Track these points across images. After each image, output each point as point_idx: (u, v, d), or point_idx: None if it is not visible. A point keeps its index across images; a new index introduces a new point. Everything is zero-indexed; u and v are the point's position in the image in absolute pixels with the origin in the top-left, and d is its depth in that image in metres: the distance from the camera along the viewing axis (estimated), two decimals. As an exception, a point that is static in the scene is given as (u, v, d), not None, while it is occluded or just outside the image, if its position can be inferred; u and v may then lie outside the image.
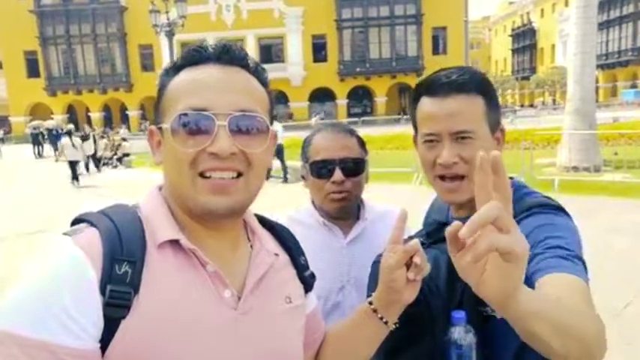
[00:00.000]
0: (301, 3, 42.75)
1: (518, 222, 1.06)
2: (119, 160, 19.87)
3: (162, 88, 0.87)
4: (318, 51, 44.20)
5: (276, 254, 0.97)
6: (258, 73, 0.89)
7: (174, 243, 0.82)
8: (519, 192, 1.23)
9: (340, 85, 44.27)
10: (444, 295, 1.11)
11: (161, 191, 0.90)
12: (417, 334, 1.12)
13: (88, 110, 43.91)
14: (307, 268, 1.04)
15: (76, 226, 0.81)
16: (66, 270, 0.73)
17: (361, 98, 45.76)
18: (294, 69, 43.41)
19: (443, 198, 1.22)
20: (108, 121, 42.87)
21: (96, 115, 44.12)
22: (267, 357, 0.87)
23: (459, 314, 1.07)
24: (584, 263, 1.03)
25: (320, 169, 1.47)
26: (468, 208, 1.27)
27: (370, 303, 0.99)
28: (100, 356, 0.73)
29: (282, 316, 0.92)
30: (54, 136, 26.66)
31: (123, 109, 45.52)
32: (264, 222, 1.03)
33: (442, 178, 1.18)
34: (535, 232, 1.06)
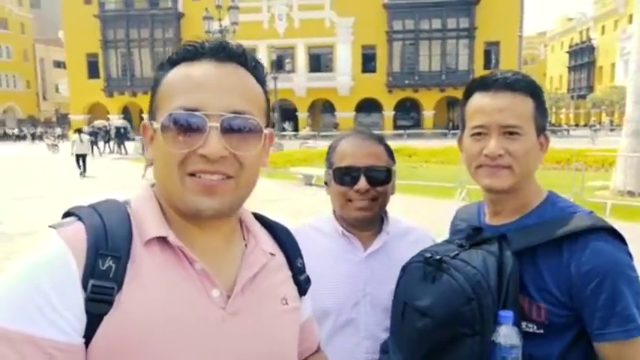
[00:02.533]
0: (352, 13, 42.88)
1: (572, 241, 1.10)
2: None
3: (156, 83, 0.85)
4: (368, 61, 44.16)
5: (272, 254, 0.94)
6: (256, 71, 0.86)
7: (162, 240, 0.80)
8: (556, 206, 1.22)
9: (388, 97, 44.02)
10: (494, 296, 1.09)
11: (153, 188, 0.89)
12: (465, 336, 1.09)
13: (141, 112, 45.46)
14: (304, 271, 1.01)
15: (64, 220, 0.80)
16: (48, 262, 0.72)
17: (408, 110, 45.28)
18: (343, 79, 43.50)
19: (484, 184, 1.22)
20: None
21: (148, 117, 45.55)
22: (261, 356, 0.84)
23: (507, 313, 1.07)
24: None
25: (343, 176, 1.41)
26: (503, 215, 1.23)
27: None
28: (84, 352, 0.72)
29: (277, 318, 0.89)
30: (121, 135, 28.18)
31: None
32: (263, 221, 1.00)
33: (485, 167, 1.20)
34: (597, 278, 1.07)
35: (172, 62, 0.84)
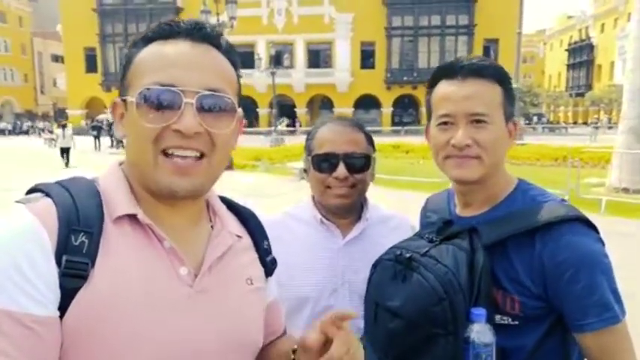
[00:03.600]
0: (352, 9, 42.78)
1: (544, 232, 1.08)
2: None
3: (129, 60, 0.84)
4: (366, 58, 44.11)
5: (239, 236, 0.95)
6: (229, 54, 0.87)
7: (132, 218, 0.81)
8: (527, 194, 1.20)
9: (386, 94, 43.98)
10: (466, 293, 1.08)
11: (121, 166, 0.88)
12: (438, 335, 1.07)
13: None
14: (270, 253, 1.02)
15: (30, 195, 0.79)
16: (20, 236, 0.71)
17: (407, 107, 45.24)
18: (341, 75, 43.44)
19: (452, 175, 1.19)
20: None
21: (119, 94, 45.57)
22: (224, 336, 0.85)
23: (479, 311, 1.05)
24: (619, 299, 1.07)
25: (322, 163, 1.40)
26: (474, 206, 1.22)
27: (293, 351, 0.90)
28: (60, 326, 0.72)
29: (242, 298, 0.90)
30: None
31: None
32: (229, 204, 1.01)
33: (452, 157, 1.17)
34: (571, 268, 1.06)
35: (146, 40, 0.83)
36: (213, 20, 18.14)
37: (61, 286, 0.71)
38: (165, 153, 0.79)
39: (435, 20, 42.58)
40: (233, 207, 1.01)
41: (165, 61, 0.80)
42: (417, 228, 1.52)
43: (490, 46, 42.90)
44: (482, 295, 1.08)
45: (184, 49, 0.81)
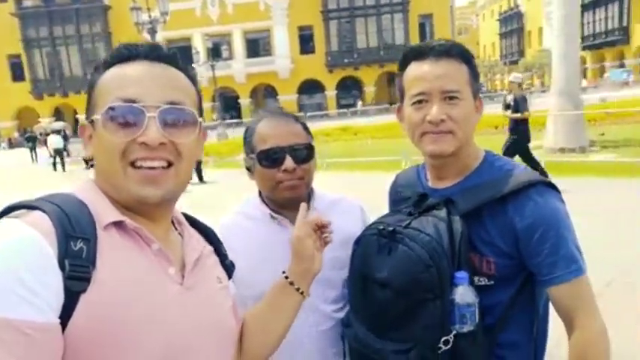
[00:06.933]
0: (286, -6, 42.51)
1: (514, 197, 1.19)
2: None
3: (92, 85, 0.90)
4: (306, 42, 44.02)
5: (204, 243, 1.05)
6: (186, 71, 0.94)
7: (118, 225, 0.85)
8: (494, 165, 1.30)
9: (329, 77, 44.15)
10: (449, 258, 1.15)
11: (93, 181, 0.92)
12: (427, 300, 1.15)
13: (76, 112, 43.48)
14: (227, 257, 1.12)
15: (17, 212, 0.81)
16: (20, 246, 0.73)
17: (350, 89, 45.62)
18: (282, 62, 43.20)
19: (429, 150, 1.26)
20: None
21: (84, 118, 43.59)
22: (212, 328, 0.94)
23: (462, 274, 1.14)
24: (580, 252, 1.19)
25: (269, 158, 1.40)
26: (447, 178, 1.30)
27: (286, 277, 1.13)
28: (61, 332, 0.73)
29: (217, 293, 1.00)
30: (63, 139, 26.27)
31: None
32: (188, 218, 1.09)
33: (429, 133, 1.24)
34: (540, 228, 1.16)
35: (107, 65, 0.90)
36: (144, 17, 17.54)
37: (66, 290, 0.74)
38: (133, 165, 0.85)
39: (370, 0, 42.96)
40: (189, 219, 1.09)
41: (127, 80, 0.86)
42: (366, 208, 1.61)
43: (425, 21, 43.79)
44: (463, 259, 1.16)
45: (143, 68, 0.88)
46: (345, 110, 38.91)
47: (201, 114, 0.94)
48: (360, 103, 41.73)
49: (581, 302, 1.17)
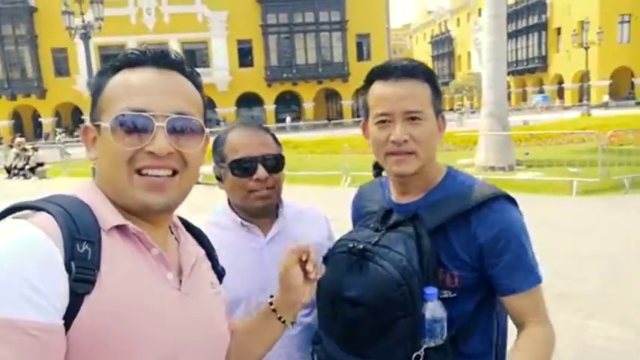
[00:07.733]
0: (225, 7, 42.24)
1: (477, 211, 1.23)
2: (32, 170, 18.57)
3: (99, 88, 0.90)
4: (244, 56, 43.84)
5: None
6: (192, 77, 0.94)
7: (120, 229, 0.86)
8: (457, 179, 1.34)
9: (268, 91, 44.14)
10: (419, 275, 1.17)
11: (95, 184, 0.91)
12: (399, 317, 1.16)
13: (37, 115, 40.65)
14: (218, 262, 1.13)
15: (22, 212, 0.81)
16: (28, 247, 0.73)
17: (289, 103, 45.85)
18: (220, 74, 42.74)
19: (393, 170, 1.30)
20: (18, 129, 39.77)
21: (4, 123, 41.04)
22: (206, 332, 0.94)
23: (431, 290, 1.16)
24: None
25: (241, 167, 1.42)
26: (411, 193, 1.33)
27: (271, 303, 1.13)
28: (64, 333, 0.73)
29: (211, 299, 1.01)
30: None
31: (35, 116, 42.60)
32: (182, 222, 1.09)
33: (393, 154, 1.27)
34: (502, 239, 1.22)
35: (114, 68, 0.90)
36: (77, 21, 16.79)
37: (71, 292, 0.74)
38: (139, 172, 0.85)
39: (309, 17, 43.51)
40: (184, 223, 1.09)
41: (136, 88, 0.86)
42: (329, 218, 1.64)
43: (363, 41, 44.99)
44: (431, 275, 1.19)
45: (152, 76, 0.88)
46: (284, 124, 38.98)
47: (205, 121, 0.95)
48: (288, 119, 41.89)
49: (536, 309, 1.24)
